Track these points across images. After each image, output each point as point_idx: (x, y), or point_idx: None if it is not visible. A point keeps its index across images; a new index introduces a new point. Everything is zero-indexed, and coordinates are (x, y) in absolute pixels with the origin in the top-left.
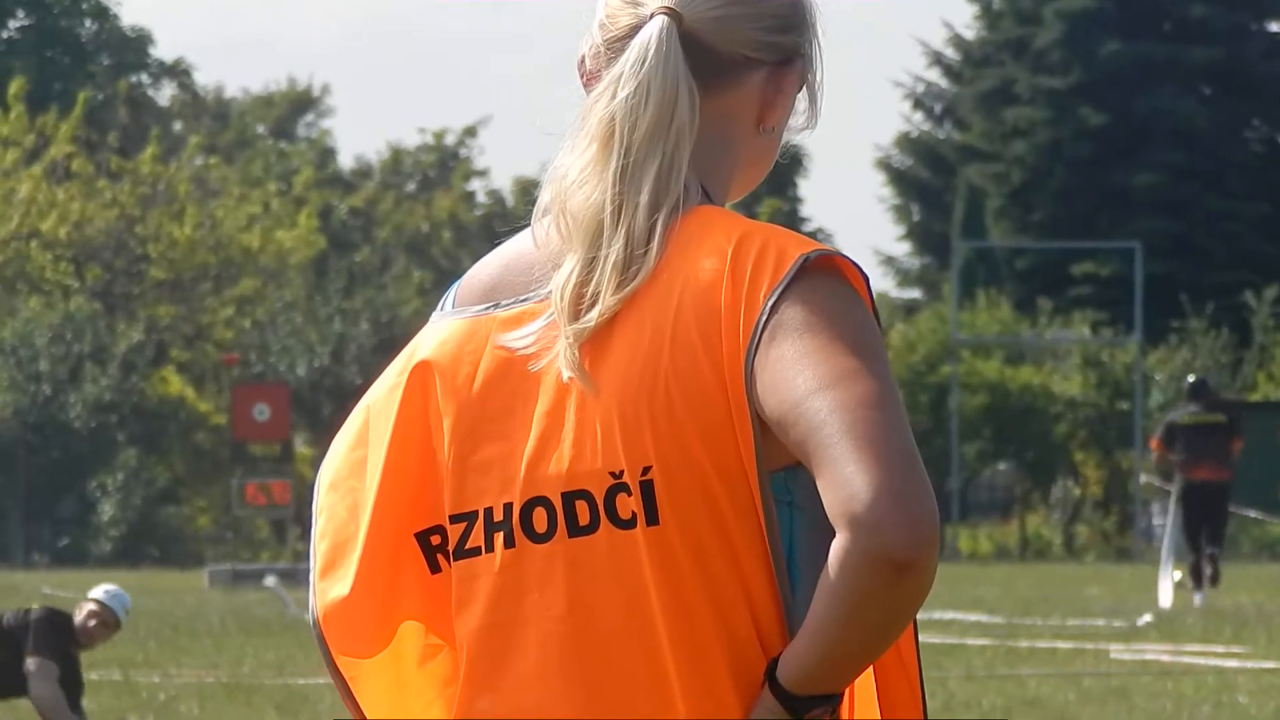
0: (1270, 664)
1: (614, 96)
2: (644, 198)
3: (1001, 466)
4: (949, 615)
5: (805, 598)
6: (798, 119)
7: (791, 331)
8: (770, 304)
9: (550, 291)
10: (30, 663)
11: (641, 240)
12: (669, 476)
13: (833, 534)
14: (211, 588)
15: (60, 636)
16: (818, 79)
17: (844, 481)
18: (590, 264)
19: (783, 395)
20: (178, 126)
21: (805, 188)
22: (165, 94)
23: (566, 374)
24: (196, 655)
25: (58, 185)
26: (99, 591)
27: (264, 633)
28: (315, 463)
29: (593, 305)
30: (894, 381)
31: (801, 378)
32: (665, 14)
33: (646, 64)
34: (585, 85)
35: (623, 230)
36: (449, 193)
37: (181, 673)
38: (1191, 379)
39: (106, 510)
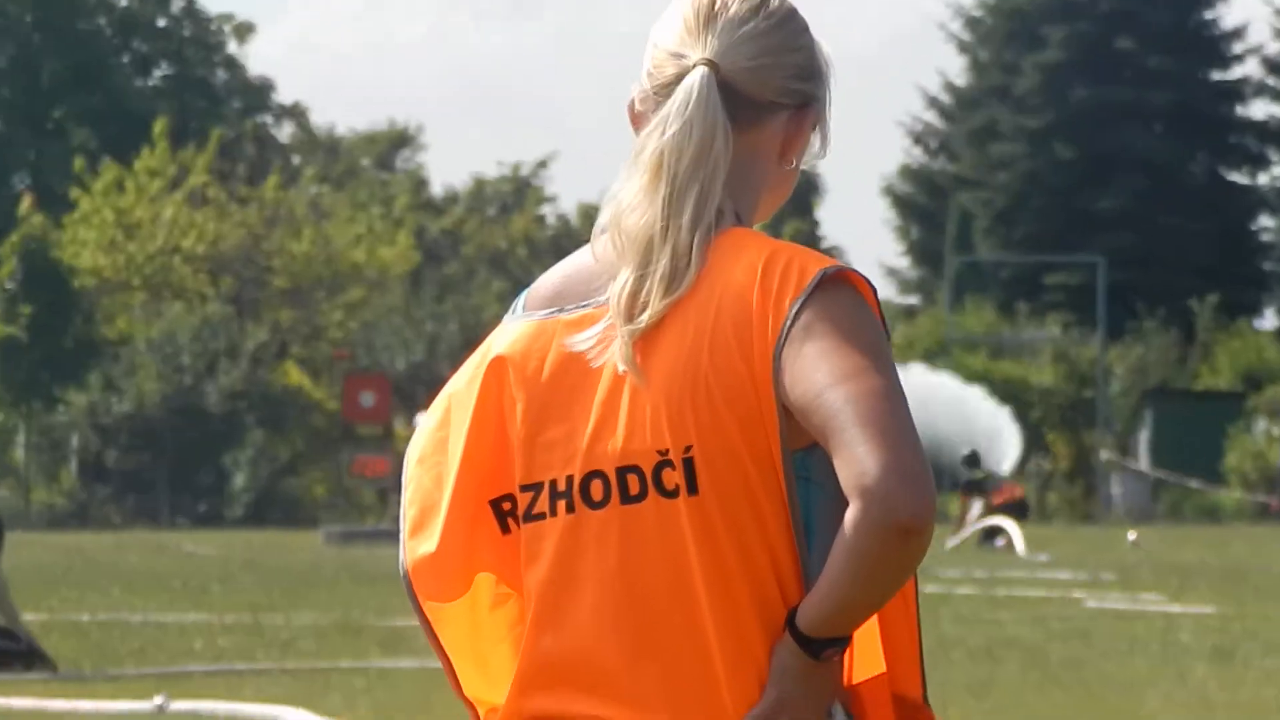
0: (1209, 609)
1: (663, 133)
2: (686, 219)
3: None
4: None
5: (820, 557)
6: (810, 152)
7: (812, 334)
8: (794, 311)
9: (608, 298)
10: None
11: (684, 255)
12: (707, 454)
13: (843, 504)
14: (326, 545)
15: None
16: (829, 119)
17: (856, 460)
18: (642, 276)
19: (805, 387)
20: (296, 159)
21: (821, 211)
22: (285, 132)
23: (622, 367)
24: (313, 601)
25: (196, 209)
26: None
27: (370, 582)
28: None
29: (644, 310)
30: (898, 375)
31: (820, 373)
32: (706, 65)
33: (690, 106)
34: (634, 124)
35: (669, 246)
36: (524, 216)
37: (301, 616)
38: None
39: (238, 481)
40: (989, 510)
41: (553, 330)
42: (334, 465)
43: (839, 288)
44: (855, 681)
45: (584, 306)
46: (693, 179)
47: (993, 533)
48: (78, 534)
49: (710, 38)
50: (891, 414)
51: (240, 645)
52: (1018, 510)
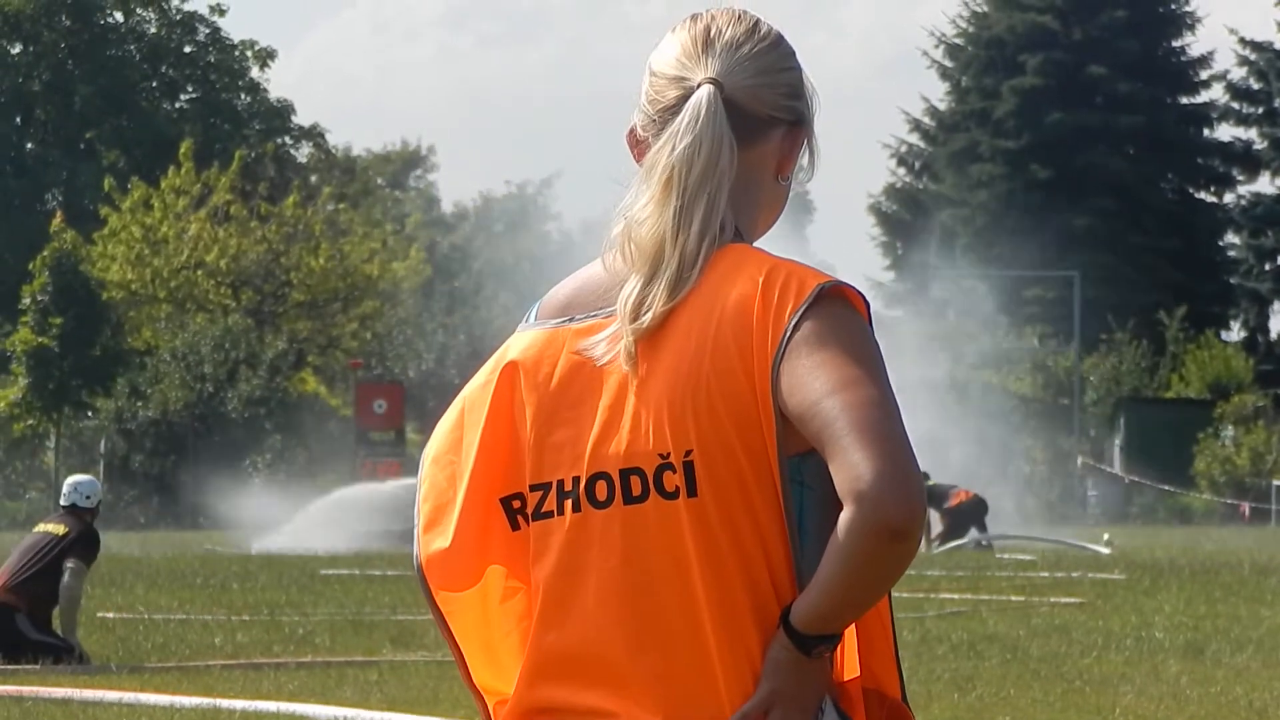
0: (1181, 605)
1: (673, 148)
2: (694, 228)
3: None
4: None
5: (812, 557)
6: (801, 172)
7: (810, 345)
8: (793, 323)
9: (616, 307)
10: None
11: (689, 263)
12: (707, 458)
13: (835, 507)
14: (341, 544)
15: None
16: (815, 138)
17: (851, 466)
18: (649, 282)
19: (802, 396)
20: (314, 179)
21: (812, 228)
22: (304, 152)
23: (625, 366)
24: (328, 598)
25: (219, 226)
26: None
27: (381, 580)
28: (423, 445)
29: (647, 311)
30: (890, 385)
31: (818, 382)
32: (710, 84)
33: (700, 121)
34: (633, 149)
35: (676, 254)
36: (529, 232)
37: (316, 611)
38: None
39: (257, 483)
40: (947, 516)
41: (563, 338)
42: (348, 469)
43: (835, 301)
44: (845, 679)
45: (593, 316)
46: (701, 190)
47: (962, 530)
48: (104, 534)
49: (711, 60)
50: (885, 422)
51: (258, 640)
52: (977, 509)
